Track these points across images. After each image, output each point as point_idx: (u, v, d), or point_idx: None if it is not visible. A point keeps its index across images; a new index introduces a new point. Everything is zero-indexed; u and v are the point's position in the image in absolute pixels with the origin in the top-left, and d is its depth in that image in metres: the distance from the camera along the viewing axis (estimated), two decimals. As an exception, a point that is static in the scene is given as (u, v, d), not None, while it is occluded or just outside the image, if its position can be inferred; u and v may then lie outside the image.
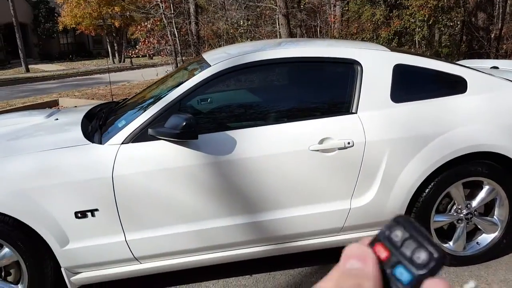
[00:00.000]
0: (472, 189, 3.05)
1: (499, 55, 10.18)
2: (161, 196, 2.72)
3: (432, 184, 2.91)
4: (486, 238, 3.12)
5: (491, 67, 3.75)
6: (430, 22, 9.93)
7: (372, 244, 0.44)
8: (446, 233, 3.10)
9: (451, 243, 3.06)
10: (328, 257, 3.21)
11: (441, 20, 10.20)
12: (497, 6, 11.46)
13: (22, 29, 26.63)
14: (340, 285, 0.42)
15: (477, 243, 3.11)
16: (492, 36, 10.31)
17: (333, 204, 2.87)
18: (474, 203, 3.04)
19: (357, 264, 0.43)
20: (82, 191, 2.64)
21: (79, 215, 2.65)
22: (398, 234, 0.42)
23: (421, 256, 0.40)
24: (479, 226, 3.10)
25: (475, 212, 3.05)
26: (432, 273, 0.39)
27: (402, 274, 0.40)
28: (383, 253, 0.42)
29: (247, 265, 3.22)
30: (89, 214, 2.67)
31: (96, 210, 2.67)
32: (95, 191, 2.65)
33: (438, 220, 3.02)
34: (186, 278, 3.16)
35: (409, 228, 0.42)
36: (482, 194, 3.03)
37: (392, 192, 2.88)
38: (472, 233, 3.14)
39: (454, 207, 3.04)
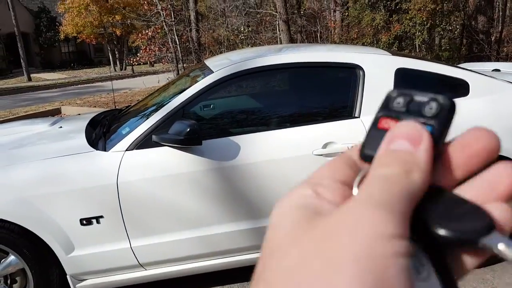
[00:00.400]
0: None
1: (500, 58, 10.19)
2: (166, 202, 2.72)
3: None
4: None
5: (493, 70, 3.75)
6: (428, 26, 9.96)
7: (375, 122, 0.38)
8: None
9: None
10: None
11: (439, 23, 10.23)
12: (496, 9, 11.48)
13: (24, 39, 26.77)
14: (377, 170, 0.33)
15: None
16: (492, 39, 10.32)
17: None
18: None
19: (407, 145, 0.34)
20: (87, 198, 2.65)
21: (84, 222, 2.66)
22: (399, 101, 0.38)
23: (432, 107, 0.37)
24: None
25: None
26: (447, 115, 0.36)
27: None
28: (391, 124, 0.37)
29: (252, 271, 3.21)
30: (94, 221, 2.67)
31: (101, 217, 2.67)
32: (100, 198, 2.66)
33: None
34: (191, 285, 3.15)
35: (407, 92, 0.38)
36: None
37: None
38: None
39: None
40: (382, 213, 0.30)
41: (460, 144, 0.35)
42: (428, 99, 0.37)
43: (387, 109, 0.38)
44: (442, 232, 0.33)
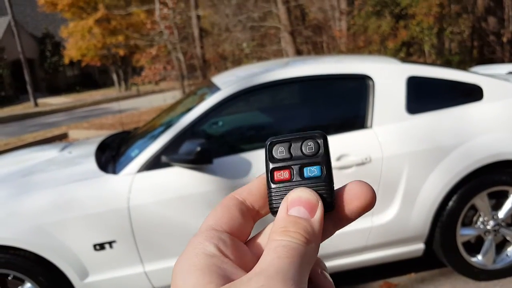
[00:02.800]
0: (498, 200, 2.96)
1: (514, 58, 10.06)
2: (178, 224, 2.67)
3: (455, 196, 2.83)
4: (516, 250, 3.01)
5: (508, 73, 3.68)
6: (435, 30, 9.90)
7: (271, 176, 0.41)
8: (474, 246, 3.00)
9: (479, 256, 2.96)
10: (352, 278, 3.11)
11: (446, 27, 10.17)
12: (506, 9, 11.38)
13: (30, 65, 27.05)
14: (278, 238, 0.36)
15: (507, 255, 3.00)
16: (504, 40, 10.22)
17: (354, 223, 2.78)
18: (501, 214, 2.94)
19: (304, 212, 0.38)
20: (99, 223, 2.62)
21: (97, 247, 2.62)
22: (281, 150, 0.42)
23: (310, 145, 0.41)
24: (507, 238, 3.00)
25: (502, 223, 2.95)
26: (326, 148, 0.41)
27: (311, 170, 0.41)
28: (285, 174, 0.41)
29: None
30: (107, 246, 2.63)
31: (114, 241, 2.63)
32: (112, 222, 2.62)
33: (465, 233, 2.93)
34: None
35: (284, 139, 0.42)
36: (508, 204, 2.93)
37: (414, 207, 2.80)
38: (501, 246, 3.04)
39: (480, 219, 2.95)
40: (282, 285, 0.32)
41: (346, 200, 0.40)
42: (304, 139, 0.41)
43: (274, 160, 0.41)
44: None
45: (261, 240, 0.42)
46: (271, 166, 0.42)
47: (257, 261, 0.38)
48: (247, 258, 0.39)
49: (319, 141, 0.41)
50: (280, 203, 0.39)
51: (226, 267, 0.35)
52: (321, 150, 0.41)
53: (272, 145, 0.42)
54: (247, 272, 0.35)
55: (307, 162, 0.41)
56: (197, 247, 0.37)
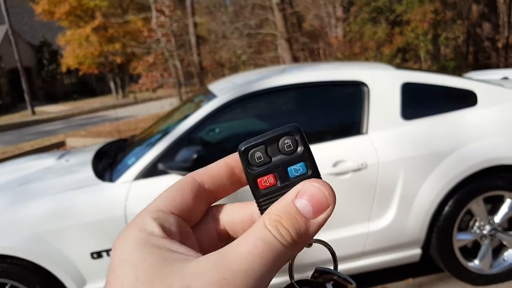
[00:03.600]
0: (494, 204, 2.98)
1: (509, 64, 10.11)
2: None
3: (451, 201, 2.84)
4: (512, 254, 3.02)
5: (502, 78, 3.71)
6: (430, 36, 9.96)
7: (255, 185, 0.38)
8: (470, 251, 3.01)
9: (476, 261, 2.97)
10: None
11: (441, 33, 10.23)
12: (501, 15, 11.45)
13: (27, 73, 27.07)
14: (264, 228, 0.34)
15: (504, 259, 3.01)
16: (499, 46, 10.28)
17: (351, 229, 2.81)
18: (497, 218, 2.96)
19: (309, 210, 0.35)
20: (96, 231, 2.62)
21: (94, 255, 2.62)
22: (258, 155, 0.39)
23: (287, 142, 0.38)
24: (504, 242, 3.01)
25: (498, 228, 2.96)
26: (304, 141, 0.38)
27: (296, 169, 0.38)
28: (269, 180, 0.38)
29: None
30: (104, 254, 2.63)
31: (111, 249, 2.63)
32: (109, 230, 2.62)
33: (461, 238, 2.94)
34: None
35: (256, 142, 0.39)
36: (504, 209, 2.95)
37: (410, 212, 2.81)
38: (498, 250, 3.05)
39: (477, 224, 2.96)
40: (243, 284, 0.31)
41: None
42: (279, 138, 0.38)
43: (254, 168, 0.38)
44: None
45: (208, 227, 0.41)
46: (252, 174, 0.39)
47: (198, 248, 0.37)
48: (189, 242, 0.37)
49: (295, 136, 0.39)
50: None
51: (173, 247, 0.33)
52: (300, 145, 0.38)
53: (246, 151, 0.39)
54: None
55: (289, 161, 0.38)
56: (137, 222, 0.35)
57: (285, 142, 0.38)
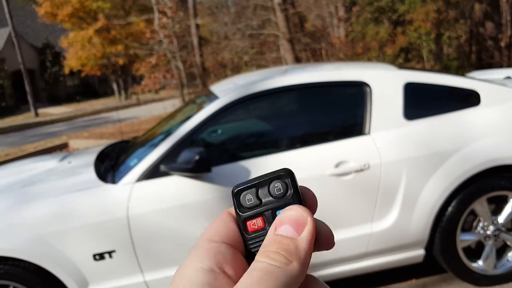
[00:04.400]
0: (498, 204, 2.96)
1: (512, 63, 10.08)
2: (178, 232, 2.67)
3: (454, 201, 2.82)
4: (516, 254, 3.00)
5: (505, 77, 3.69)
6: (432, 36, 9.94)
7: (245, 228, 0.40)
8: (474, 252, 3.00)
9: (480, 262, 2.95)
10: (352, 285, 3.10)
11: (443, 33, 10.20)
12: (503, 14, 11.42)
13: (30, 75, 27.15)
14: (260, 261, 0.35)
15: (508, 260, 2.99)
16: (502, 45, 10.25)
17: (354, 229, 2.80)
18: (501, 218, 2.94)
19: (291, 231, 0.37)
20: (98, 232, 2.62)
21: (97, 257, 2.62)
22: (249, 197, 0.40)
23: (277, 186, 0.40)
24: (508, 243, 2.99)
25: (502, 228, 2.95)
26: (295, 185, 0.39)
27: None
28: (258, 222, 0.39)
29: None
30: (106, 255, 2.63)
31: (114, 251, 2.63)
32: (111, 232, 2.62)
33: (465, 239, 2.92)
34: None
35: (249, 185, 0.40)
36: (508, 209, 2.93)
37: (414, 212, 2.80)
38: (502, 251, 3.03)
39: (480, 224, 2.94)
40: None
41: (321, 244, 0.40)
42: (270, 181, 0.40)
43: (244, 210, 0.40)
44: None
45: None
46: (242, 217, 0.40)
47: None
48: (243, 270, 0.38)
49: (286, 180, 0.40)
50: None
51: (220, 285, 0.36)
52: (290, 189, 0.40)
53: (238, 193, 0.40)
54: None
55: (278, 205, 0.39)
56: (196, 260, 0.37)
57: (276, 185, 0.40)
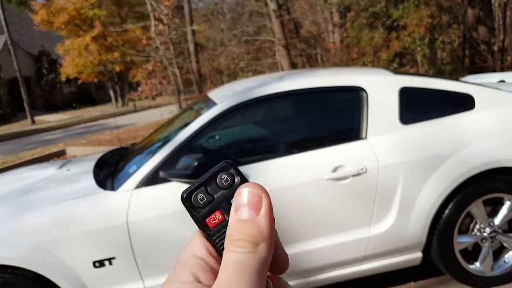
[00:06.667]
0: (494, 207, 2.99)
1: (505, 67, 10.16)
2: (177, 239, 2.68)
3: (451, 204, 2.85)
4: (513, 256, 3.03)
5: (498, 81, 3.74)
6: (426, 41, 10.01)
7: (205, 226, 0.41)
8: (471, 254, 3.02)
9: (477, 263, 2.98)
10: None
11: (437, 37, 10.27)
12: (496, 18, 11.51)
13: (26, 82, 27.11)
14: (229, 252, 0.36)
15: (505, 261, 3.02)
16: (495, 49, 10.33)
17: (352, 233, 2.82)
18: (497, 220, 2.97)
19: (250, 213, 0.37)
20: (98, 240, 2.62)
21: (96, 264, 2.62)
22: (200, 196, 0.41)
23: (223, 177, 0.41)
24: (504, 244, 3.02)
25: (499, 230, 2.97)
26: (239, 172, 0.41)
27: None
28: (217, 216, 0.40)
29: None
30: (106, 262, 2.63)
31: (113, 258, 2.64)
32: (111, 239, 2.63)
33: (462, 241, 2.95)
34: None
35: (196, 185, 0.41)
36: (504, 211, 2.96)
37: (411, 215, 2.83)
38: (499, 252, 3.06)
39: (477, 226, 2.97)
40: None
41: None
42: (215, 176, 0.40)
43: (199, 210, 0.40)
44: None
45: None
46: (199, 217, 0.41)
47: None
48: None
49: (230, 170, 0.41)
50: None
51: None
52: (237, 177, 0.41)
53: (188, 198, 0.41)
54: None
55: (231, 194, 0.40)
56: (172, 278, 0.39)
57: (222, 177, 0.41)
